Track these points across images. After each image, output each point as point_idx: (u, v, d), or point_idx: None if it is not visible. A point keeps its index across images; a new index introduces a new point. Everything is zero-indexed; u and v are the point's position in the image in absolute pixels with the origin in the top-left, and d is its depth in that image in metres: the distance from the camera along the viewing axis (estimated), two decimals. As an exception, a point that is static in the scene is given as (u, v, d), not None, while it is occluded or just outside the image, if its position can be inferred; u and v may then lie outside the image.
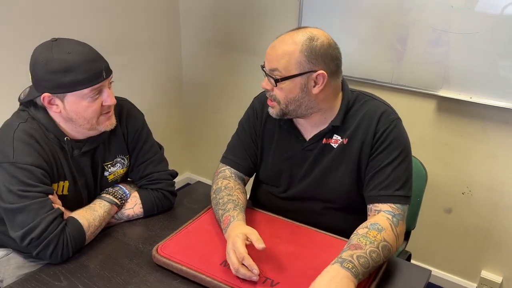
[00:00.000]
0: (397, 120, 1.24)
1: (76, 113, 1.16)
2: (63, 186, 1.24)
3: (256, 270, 1.03)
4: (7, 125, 1.18)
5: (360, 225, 1.15)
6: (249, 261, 1.03)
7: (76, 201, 1.27)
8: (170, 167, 1.44)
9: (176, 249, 1.14)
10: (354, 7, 1.97)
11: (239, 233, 1.08)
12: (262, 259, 1.08)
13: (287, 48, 1.14)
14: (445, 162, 2.00)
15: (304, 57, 1.13)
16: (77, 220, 1.17)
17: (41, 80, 1.13)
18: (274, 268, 1.07)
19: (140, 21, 2.42)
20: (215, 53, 2.59)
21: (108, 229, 1.28)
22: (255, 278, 1.03)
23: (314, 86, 1.17)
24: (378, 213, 1.18)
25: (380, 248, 1.07)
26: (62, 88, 1.12)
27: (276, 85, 1.17)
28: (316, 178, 1.28)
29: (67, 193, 1.25)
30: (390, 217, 1.15)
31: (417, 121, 2.01)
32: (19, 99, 1.22)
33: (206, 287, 1.05)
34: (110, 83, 1.23)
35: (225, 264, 1.09)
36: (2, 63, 1.85)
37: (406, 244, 1.66)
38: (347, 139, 1.24)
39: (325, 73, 1.15)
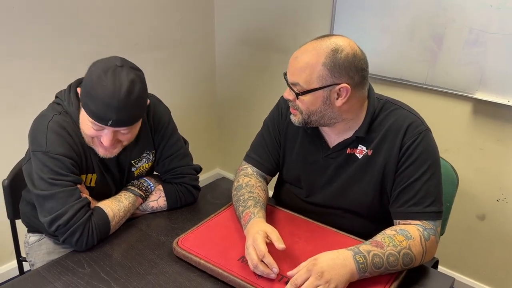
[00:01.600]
0: (426, 131, 1.17)
1: (81, 124, 1.20)
2: (91, 178, 1.28)
3: (276, 269, 1.03)
4: (42, 116, 1.23)
5: (389, 228, 1.13)
6: (269, 259, 1.04)
7: (103, 192, 1.31)
8: (201, 163, 1.45)
9: (195, 242, 1.16)
10: (388, 5, 1.93)
11: (260, 230, 1.09)
12: (279, 257, 1.08)
13: (309, 60, 1.10)
14: (480, 168, 1.93)
15: (327, 71, 1.09)
16: (103, 210, 1.21)
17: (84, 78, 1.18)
18: (291, 267, 1.06)
19: (176, 19, 2.46)
20: (248, 52, 2.61)
21: (132, 220, 1.32)
22: (273, 276, 1.03)
23: (337, 99, 1.13)
24: (408, 225, 1.14)
25: (400, 255, 1.05)
26: (81, 99, 1.17)
27: (298, 98, 1.15)
28: (338, 188, 1.26)
29: (95, 185, 1.29)
30: (421, 229, 1.11)
31: (451, 124, 1.95)
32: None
33: (223, 281, 1.07)
34: (123, 132, 1.19)
35: (243, 259, 1.10)
36: (41, 56, 1.94)
37: (434, 250, 1.62)
38: (372, 151, 1.20)
39: (348, 86, 1.11)
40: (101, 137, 1.19)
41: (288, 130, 1.34)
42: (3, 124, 1.91)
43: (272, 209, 1.33)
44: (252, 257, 1.05)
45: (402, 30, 1.93)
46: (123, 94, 1.11)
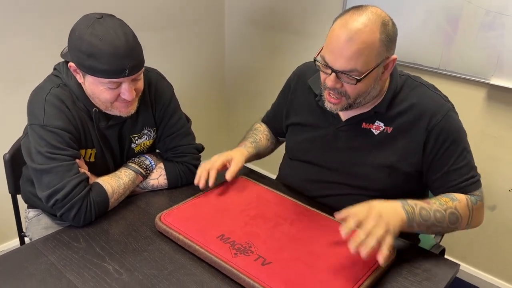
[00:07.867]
0: (451, 111, 1.15)
1: (93, 93, 1.16)
2: (91, 153, 1.26)
3: (211, 182, 1.22)
4: (40, 88, 1.20)
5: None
6: (212, 173, 1.22)
7: (103, 168, 1.29)
8: (210, 147, 1.44)
9: (178, 218, 1.14)
10: (402, -14, 1.87)
11: (228, 154, 1.28)
12: (260, 237, 1.06)
13: (366, 39, 1.00)
14: (492, 156, 1.87)
15: (384, 46, 1.03)
16: (102, 186, 1.20)
17: (71, 51, 1.14)
18: (269, 248, 1.03)
19: (184, -3, 2.42)
20: (258, 33, 2.56)
21: (132, 197, 1.30)
22: (199, 184, 1.22)
23: (383, 72, 1.08)
24: None
25: (447, 212, 1.05)
26: (83, 67, 1.12)
27: (356, 84, 1.05)
28: (348, 162, 1.21)
29: (94, 160, 1.27)
30: (468, 196, 1.12)
31: (464, 111, 1.84)
32: (61, 53, 1.23)
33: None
34: (136, 79, 1.18)
35: (222, 237, 1.06)
36: (44, 32, 1.92)
37: (441, 238, 1.57)
38: (391, 128, 1.15)
39: (396, 56, 1.07)
40: (121, 94, 1.15)
41: (294, 103, 1.35)
42: (5, 98, 1.91)
43: (265, 191, 1.28)
44: (203, 166, 1.24)
45: (415, 11, 1.86)
46: (123, 38, 1.09)
